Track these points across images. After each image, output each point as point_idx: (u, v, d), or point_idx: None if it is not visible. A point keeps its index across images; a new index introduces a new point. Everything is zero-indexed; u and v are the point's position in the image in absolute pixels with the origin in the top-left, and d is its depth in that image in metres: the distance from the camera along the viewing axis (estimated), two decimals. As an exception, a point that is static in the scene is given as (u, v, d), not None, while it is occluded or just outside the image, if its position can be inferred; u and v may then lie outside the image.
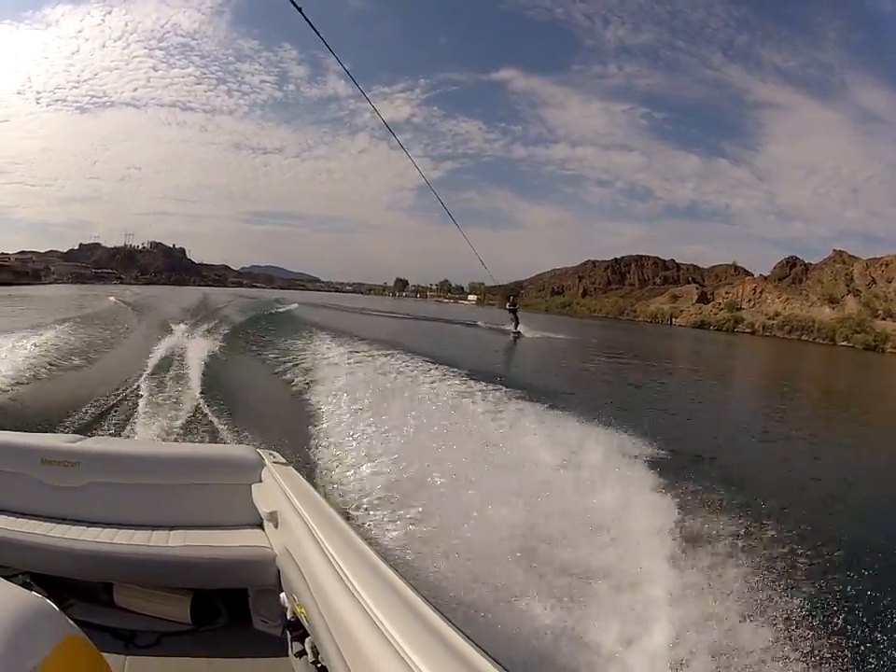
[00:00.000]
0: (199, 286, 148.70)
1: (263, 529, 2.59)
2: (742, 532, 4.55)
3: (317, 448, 6.00)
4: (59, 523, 2.54)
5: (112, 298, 34.38)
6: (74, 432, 6.10)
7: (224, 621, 2.50)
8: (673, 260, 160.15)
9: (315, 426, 6.83)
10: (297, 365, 11.40)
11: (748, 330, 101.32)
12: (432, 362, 11.50)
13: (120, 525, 2.57)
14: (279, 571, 2.24)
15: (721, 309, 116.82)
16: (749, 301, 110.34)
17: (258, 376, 11.30)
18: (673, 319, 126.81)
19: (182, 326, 17.75)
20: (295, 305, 36.90)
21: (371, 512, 4.34)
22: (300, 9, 2.70)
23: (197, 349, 12.48)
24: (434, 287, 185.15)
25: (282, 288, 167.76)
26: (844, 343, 70.21)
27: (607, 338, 42.58)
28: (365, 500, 4.54)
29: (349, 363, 11.02)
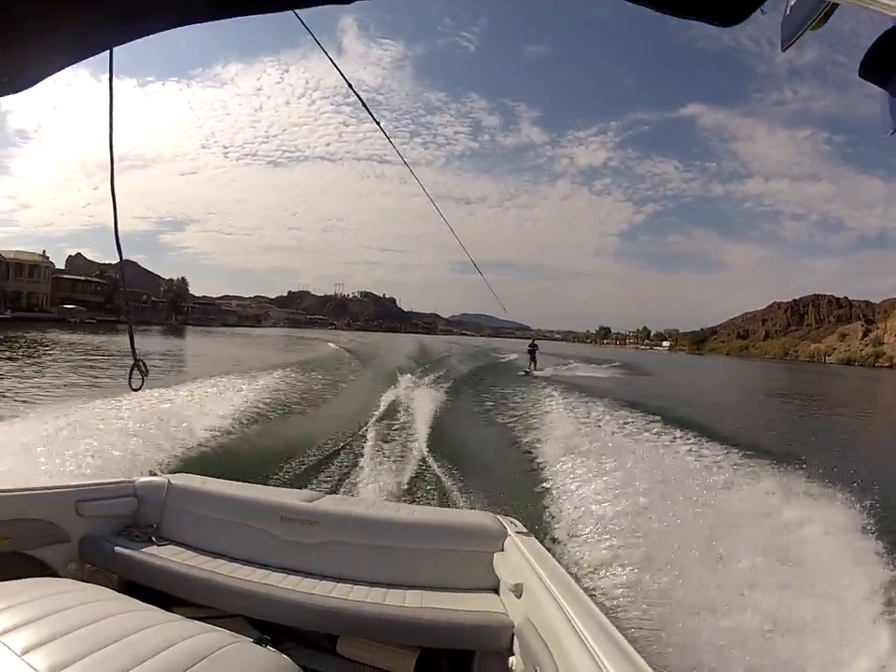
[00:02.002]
0: (409, 333, 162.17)
1: (499, 594, 2.60)
2: None
3: (551, 512, 5.85)
4: (292, 574, 2.66)
5: (332, 344, 36.31)
6: (298, 476, 6.79)
7: None
8: (846, 298, 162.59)
9: (547, 487, 6.65)
10: (524, 419, 11.12)
11: (886, 364, 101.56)
12: (642, 411, 11.09)
13: (355, 582, 2.65)
14: (513, 637, 2.28)
15: (867, 345, 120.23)
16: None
17: (484, 431, 11.04)
18: (826, 357, 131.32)
19: (407, 375, 18.09)
20: (515, 355, 36.55)
21: (610, 583, 4.19)
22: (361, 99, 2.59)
23: (422, 400, 12.63)
24: (632, 333, 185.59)
25: (490, 336, 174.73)
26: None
27: (692, 377, 40.84)
28: (602, 568, 4.40)
29: (575, 417, 10.62)
